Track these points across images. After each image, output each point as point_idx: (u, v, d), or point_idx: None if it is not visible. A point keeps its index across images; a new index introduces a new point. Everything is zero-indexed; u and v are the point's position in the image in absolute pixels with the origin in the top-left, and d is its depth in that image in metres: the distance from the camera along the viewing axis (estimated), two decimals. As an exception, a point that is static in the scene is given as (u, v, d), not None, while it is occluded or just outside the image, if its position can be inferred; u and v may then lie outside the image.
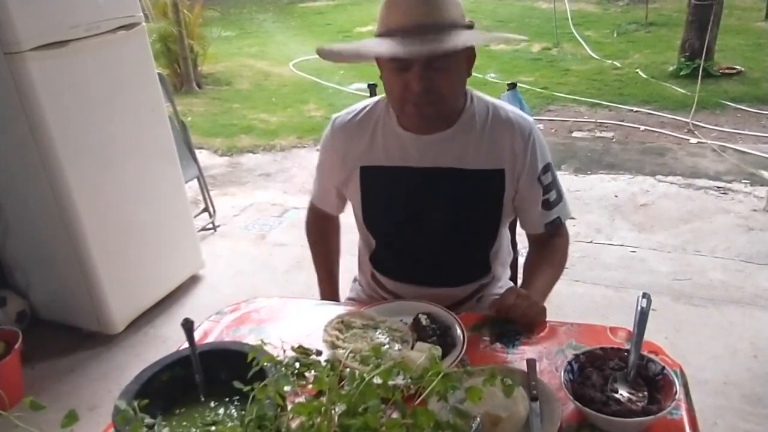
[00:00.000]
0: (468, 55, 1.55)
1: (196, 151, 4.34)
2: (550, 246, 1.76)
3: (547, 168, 1.68)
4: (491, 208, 1.69)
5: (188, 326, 1.25)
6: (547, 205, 1.70)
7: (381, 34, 1.49)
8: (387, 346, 1.40)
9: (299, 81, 8.71)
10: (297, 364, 1.26)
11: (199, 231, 4.12)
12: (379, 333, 1.46)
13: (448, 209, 1.67)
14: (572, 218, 4.07)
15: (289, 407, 0.97)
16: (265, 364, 1.00)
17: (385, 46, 1.44)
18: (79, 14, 2.89)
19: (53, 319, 3.38)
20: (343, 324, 1.48)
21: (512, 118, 1.66)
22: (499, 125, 1.65)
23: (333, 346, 1.39)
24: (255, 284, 3.74)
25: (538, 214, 1.71)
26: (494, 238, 1.75)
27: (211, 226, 4.47)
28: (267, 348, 1.11)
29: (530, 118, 1.70)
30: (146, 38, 3.31)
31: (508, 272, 1.99)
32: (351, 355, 1.33)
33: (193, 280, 3.76)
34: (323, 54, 1.56)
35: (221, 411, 1.21)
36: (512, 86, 2.03)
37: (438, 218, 1.69)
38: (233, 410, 1.21)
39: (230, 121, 7.11)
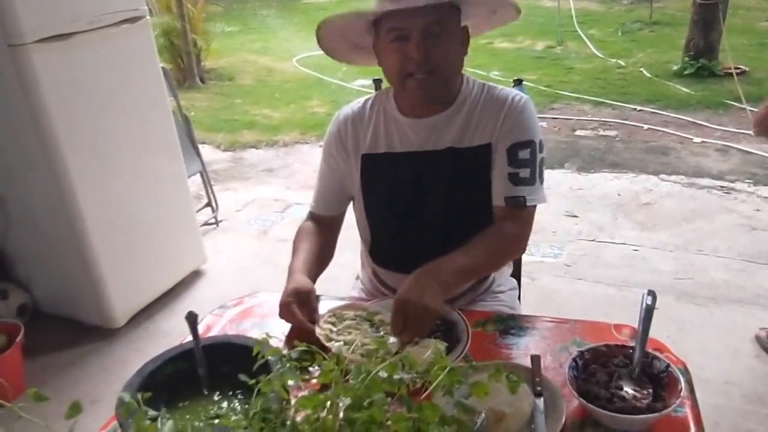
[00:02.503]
0: (463, 34, 1.61)
1: (199, 146, 4.34)
2: (499, 227, 1.62)
3: (528, 144, 1.62)
4: (483, 185, 1.66)
5: (192, 319, 1.25)
6: (514, 180, 1.61)
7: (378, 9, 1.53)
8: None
9: (302, 77, 8.71)
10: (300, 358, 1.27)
11: (201, 226, 4.12)
12: (372, 326, 1.46)
13: (445, 190, 1.67)
14: (575, 216, 4.15)
15: (292, 401, 0.96)
16: (270, 357, 0.99)
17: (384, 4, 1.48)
18: (83, 7, 2.88)
19: (55, 312, 3.38)
20: (335, 317, 1.49)
21: (506, 93, 1.67)
22: (493, 101, 1.66)
23: (327, 339, 1.39)
24: (257, 280, 3.73)
25: (502, 186, 1.62)
26: (490, 219, 1.70)
27: (213, 221, 4.47)
28: (270, 342, 1.11)
29: (527, 96, 1.69)
30: (150, 32, 3.31)
31: (510, 267, 1.98)
32: (345, 347, 1.33)
33: (195, 275, 3.76)
34: (323, 31, 1.62)
35: (224, 404, 1.21)
36: (518, 82, 2.02)
37: (436, 201, 1.68)
38: (236, 404, 1.21)
39: (233, 117, 7.11)
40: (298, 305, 1.49)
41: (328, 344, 1.36)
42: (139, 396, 0.92)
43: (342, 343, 1.37)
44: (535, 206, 1.66)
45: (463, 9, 1.59)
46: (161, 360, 1.25)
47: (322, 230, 1.83)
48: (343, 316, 1.49)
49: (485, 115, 1.64)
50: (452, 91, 1.66)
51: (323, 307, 1.57)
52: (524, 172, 1.62)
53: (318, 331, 1.42)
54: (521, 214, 1.64)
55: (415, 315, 1.37)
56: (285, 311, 1.50)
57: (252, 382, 0.93)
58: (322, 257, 1.77)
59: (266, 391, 0.89)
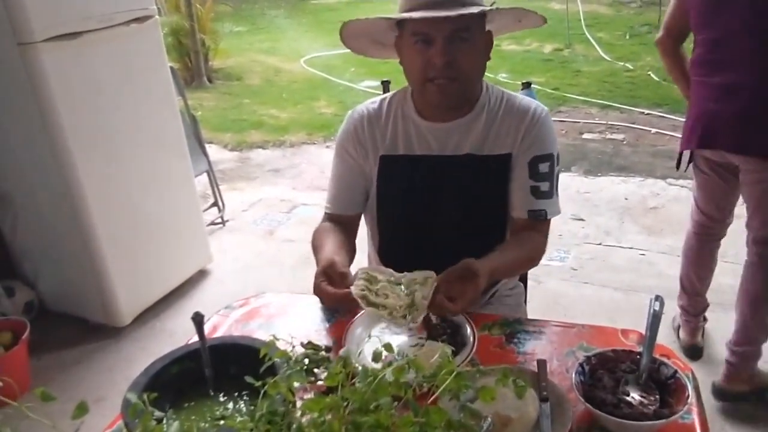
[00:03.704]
0: (486, 39, 1.60)
1: (206, 146, 4.34)
2: (526, 235, 1.67)
3: (548, 158, 1.65)
4: (501, 195, 1.68)
5: (199, 320, 1.25)
6: (536, 193, 1.65)
7: (404, 11, 1.52)
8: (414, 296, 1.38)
9: (310, 77, 8.71)
10: (306, 361, 1.27)
11: (207, 225, 4.12)
12: (403, 288, 1.42)
13: (461, 195, 1.68)
14: (581, 219, 4.13)
15: (298, 403, 0.96)
16: (276, 359, 0.99)
17: (412, 13, 1.47)
18: (92, 6, 2.89)
19: (61, 310, 3.39)
20: (368, 275, 1.44)
21: (527, 104, 1.68)
22: (513, 110, 1.66)
23: (368, 302, 1.35)
24: (262, 280, 3.74)
25: (524, 199, 1.66)
26: (504, 228, 1.73)
27: (219, 220, 4.47)
28: (277, 343, 1.11)
29: (546, 108, 1.70)
30: (159, 31, 3.32)
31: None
32: (387, 312, 1.32)
33: (201, 275, 3.77)
34: (346, 30, 1.61)
35: (230, 405, 1.21)
36: (527, 85, 2.02)
37: (451, 205, 1.69)
38: (242, 405, 1.20)
39: (240, 117, 7.12)
40: (330, 282, 1.44)
41: (368, 308, 1.34)
42: (145, 396, 0.92)
43: (381, 307, 1.34)
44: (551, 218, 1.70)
45: (489, 14, 1.58)
46: (167, 360, 1.25)
47: (340, 229, 1.76)
48: (375, 277, 1.44)
49: (506, 124, 1.65)
50: (473, 96, 1.65)
51: (337, 310, 1.55)
52: (544, 186, 1.65)
53: (354, 291, 1.37)
54: (541, 226, 1.69)
55: (468, 289, 1.38)
56: (319, 292, 1.44)
57: (258, 384, 0.92)
58: (346, 250, 1.69)
59: (272, 393, 0.88)
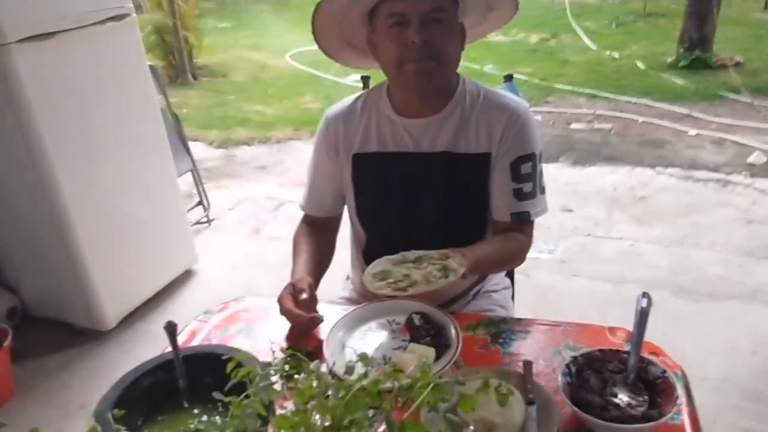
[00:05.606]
0: (460, 29, 1.58)
1: (191, 144, 4.30)
2: (511, 234, 1.65)
3: (530, 158, 1.62)
4: (479, 194, 1.65)
5: (171, 329, 1.21)
6: (519, 195, 1.63)
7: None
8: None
9: (296, 73, 8.66)
10: (286, 367, 1.23)
11: (192, 225, 4.08)
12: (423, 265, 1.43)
13: (439, 195, 1.64)
14: (570, 211, 4.11)
15: (278, 411, 0.92)
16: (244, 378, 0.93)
17: None
18: (67, 5, 2.83)
19: (44, 315, 3.34)
20: (382, 273, 1.44)
21: (506, 102, 1.64)
22: (492, 108, 1.63)
23: (401, 289, 1.36)
24: (249, 279, 3.69)
25: (507, 202, 1.64)
26: (485, 227, 1.70)
27: (205, 219, 4.42)
28: (256, 350, 1.07)
29: (526, 105, 1.67)
30: (137, 30, 3.26)
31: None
32: (423, 282, 1.35)
33: (187, 275, 3.72)
34: (319, 19, 1.60)
35: (205, 418, 1.17)
36: (509, 78, 1.98)
37: (429, 205, 1.66)
38: (217, 417, 1.16)
39: (226, 113, 7.07)
40: (294, 299, 1.47)
41: (406, 293, 1.35)
42: (109, 415, 0.88)
43: (413, 284, 1.36)
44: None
45: (461, 4, 1.56)
46: (140, 371, 1.21)
47: (318, 231, 1.78)
48: (386, 271, 1.43)
49: (483, 121, 1.61)
50: (450, 84, 1.62)
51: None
52: (527, 187, 1.63)
53: (386, 293, 1.37)
54: (525, 227, 1.67)
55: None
56: (281, 306, 1.48)
57: (227, 399, 0.88)
58: (320, 260, 1.72)
59: (239, 413, 0.84)
